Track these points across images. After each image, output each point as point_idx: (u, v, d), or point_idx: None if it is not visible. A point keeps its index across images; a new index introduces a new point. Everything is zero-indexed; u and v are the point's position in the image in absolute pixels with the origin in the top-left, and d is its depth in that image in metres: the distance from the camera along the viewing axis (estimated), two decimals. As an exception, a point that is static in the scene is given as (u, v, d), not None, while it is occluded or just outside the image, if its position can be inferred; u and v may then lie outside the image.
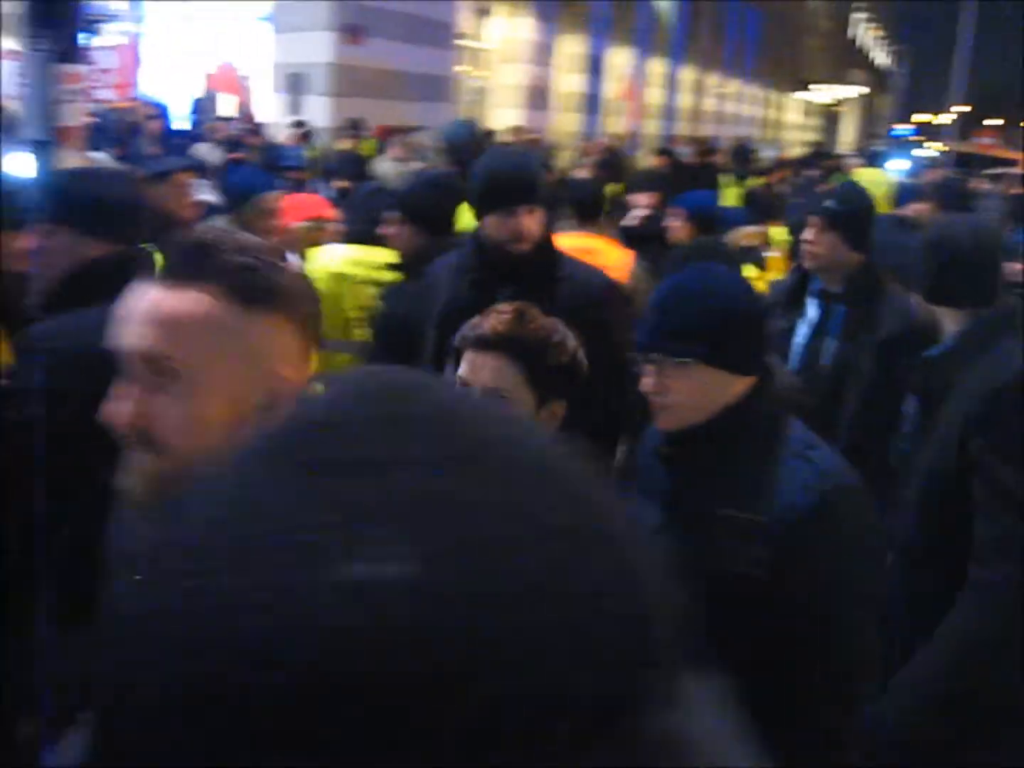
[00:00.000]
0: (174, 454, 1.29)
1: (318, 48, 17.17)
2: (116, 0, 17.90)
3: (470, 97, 22.32)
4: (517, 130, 15.62)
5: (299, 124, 14.04)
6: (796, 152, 27.21)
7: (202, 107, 16.54)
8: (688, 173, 11.00)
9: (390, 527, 0.45)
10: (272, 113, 17.16)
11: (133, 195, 2.79)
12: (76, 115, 5.04)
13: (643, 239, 5.75)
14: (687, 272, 2.26)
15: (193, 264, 1.34)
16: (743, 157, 14.24)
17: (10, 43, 12.88)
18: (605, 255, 4.68)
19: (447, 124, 8.95)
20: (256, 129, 14.11)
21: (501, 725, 0.42)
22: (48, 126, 4.76)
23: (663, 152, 13.90)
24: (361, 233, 4.72)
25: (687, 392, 2.11)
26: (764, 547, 1.99)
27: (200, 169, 5.28)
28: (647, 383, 2.17)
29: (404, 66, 18.56)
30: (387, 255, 4.47)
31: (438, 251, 3.80)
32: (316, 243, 4.81)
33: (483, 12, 22.73)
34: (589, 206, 5.55)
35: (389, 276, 4.33)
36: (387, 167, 10.11)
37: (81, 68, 5.03)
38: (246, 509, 0.47)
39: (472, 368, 2.13)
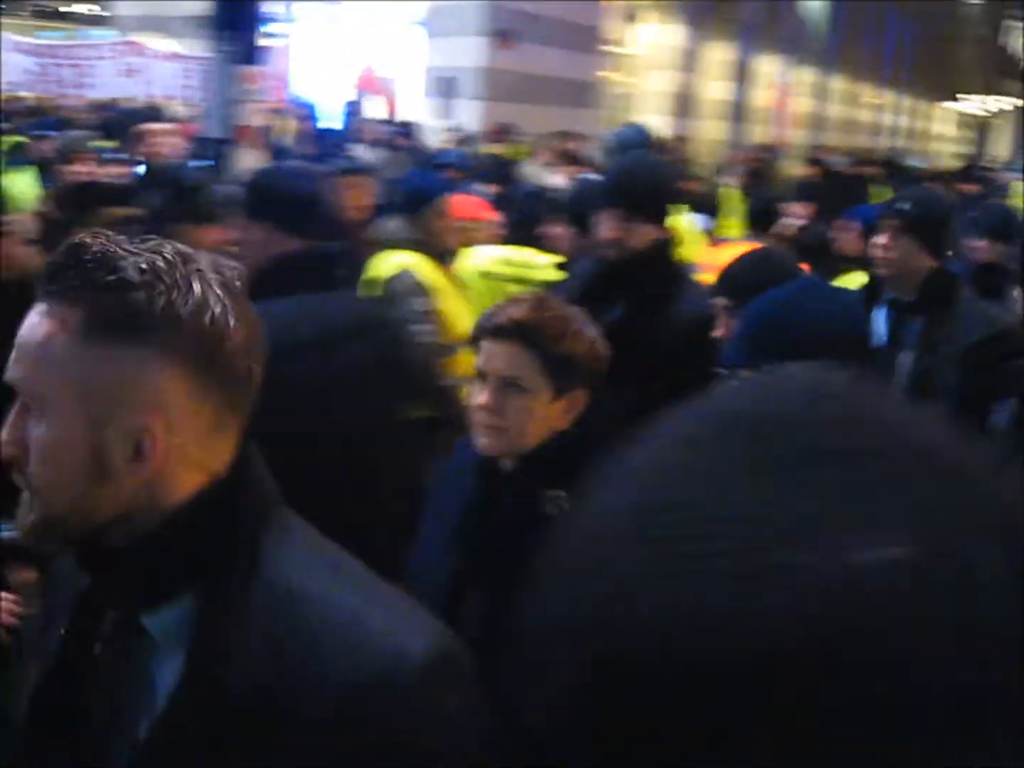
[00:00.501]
0: (46, 492, 1.15)
1: (470, 52, 17.38)
2: (270, 3, 18.37)
3: (614, 103, 22.31)
4: (678, 139, 15.55)
5: (456, 128, 14.25)
6: (946, 164, 26.52)
7: (354, 109, 16.87)
8: (840, 183, 10.83)
9: (879, 514, 0.47)
10: (422, 117, 17.42)
11: (322, 193, 2.89)
12: (253, 115, 5.22)
13: (806, 250, 5.68)
14: (791, 289, 2.17)
15: (61, 280, 1.14)
16: (895, 168, 13.96)
17: (172, 46, 13.35)
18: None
19: (618, 128, 8.96)
20: (406, 131, 14.34)
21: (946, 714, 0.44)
22: (228, 125, 4.95)
23: (815, 162, 13.70)
24: (518, 234, 4.77)
25: None
26: None
27: (371, 171, 5.40)
28: None
29: (551, 71, 18.64)
30: (540, 256, 4.52)
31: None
32: (474, 243, 4.89)
33: (630, 18, 22.71)
34: (761, 216, 5.52)
35: (540, 276, 4.38)
36: (535, 171, 10.19)
37: (257, 69, 5.21)
38: (713, 498, 0.49)
39: (488, 356, 2.09)
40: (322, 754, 1.04)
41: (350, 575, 1.21)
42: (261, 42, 5.13)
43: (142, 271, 1.10)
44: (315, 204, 2.80)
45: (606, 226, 3.33)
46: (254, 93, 5.20)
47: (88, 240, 1.14)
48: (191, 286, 1.13)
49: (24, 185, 5.19)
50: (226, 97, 4.98)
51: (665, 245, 3.38)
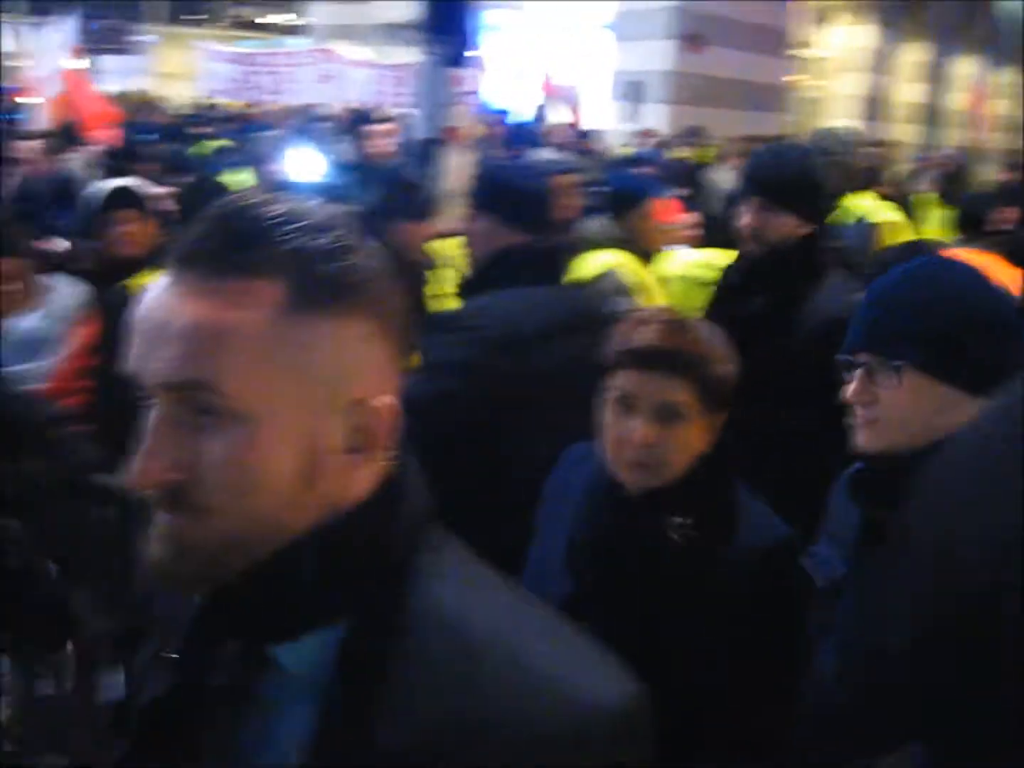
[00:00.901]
0: (220, 517, 0.94)
1: (658, 56, 17.36)
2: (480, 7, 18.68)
3: (802, 107, 21.93)
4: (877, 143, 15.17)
5: (644, 132, 14.25)
6: None
7: (542, 113, 17.03)
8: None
9: None
10: (609, 120, 17.46)
11: (545, 188, 2.93)
12: (463, 117, 5.34)
13: (1016, 255, 5.47)
14: (920, 264, 1.87)
15: (241, 250, 0.94)
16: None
17: (365, 53, 13.70)
18: (997, 273, 4.49)
19: (821, 131, 8.82)
20: (586, 136, 14.40)
21: None
22: (437, 126, 5.07)
23: (1014, 166, 13.18)
24: (714, 237, 4.74)
25: (898, 406, 1.72)
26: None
27: (576, 171, 5.45)
28: (851, 391, 1.81)
29: (739, 74, 18.46)
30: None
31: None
32: (671, 245, 4.88)
33: (820, 20, 22.29)
34: (970, 221, 5.34)
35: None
36: (723, 175, 10.11)
37: (467, 73, 5.33)
38: None
39: (640, 384, 1.94)
40: None
41: (520, 607, 1.03)
42: (472, 46, 5.26)
43: (340, 234, 0.97)
44: (540, 200, 2.84)
45: (743, 216, 3.24)
46: (463, 95, 5.31)
47: (246, 204, 0.97)
48: (370, 248, 1.00)
49: (246, 182, 5.43)
50: (436, 99, 5.11)
51: (809, 239, 3.21)
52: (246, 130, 11.88)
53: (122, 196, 4.09)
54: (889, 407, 1.72)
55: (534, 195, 2.84)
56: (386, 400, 0.99)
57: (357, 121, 5.75)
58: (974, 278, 1.77)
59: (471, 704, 0.89)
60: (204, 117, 15.15)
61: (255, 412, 0.92)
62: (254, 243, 0.93)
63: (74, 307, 3.45)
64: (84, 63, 10.79)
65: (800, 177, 3.26)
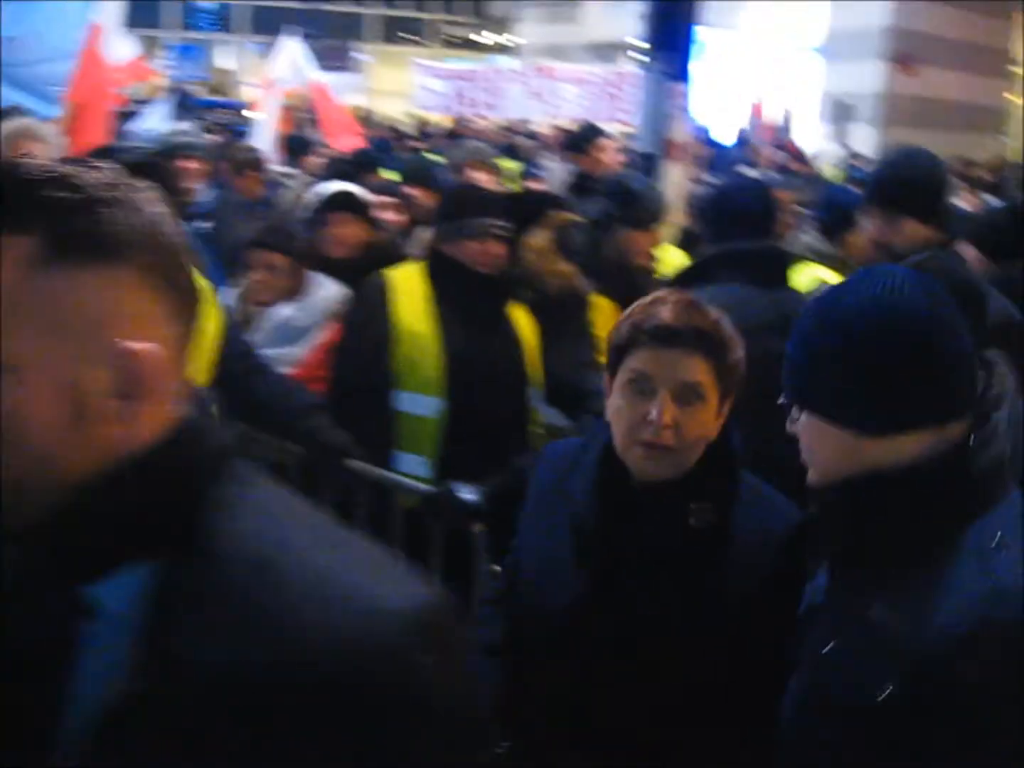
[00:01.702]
0: (8, 457, 0.97)
1: (868, 77, 17.10)
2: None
3: (1022, 128, 21.16)
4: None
5: (854, 155, 14.10)
6: None
7: (747, 134, 16.97)
8: None
9: None
10: (817, 142, 17.28)
11: (768, 199, 3.07)
12: (681, 131, 5.47)
13: None
14: (832, 304, 1.58)
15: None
16: None
17: (577, 70, 13.92)
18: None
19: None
20: (800, 156, 14.30)
21: None
22: (658, 140, 5.22)
23: None
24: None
25: (807, 447, 1.60)
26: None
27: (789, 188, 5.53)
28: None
29: (953, 95, 18.00)
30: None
31: (1005, 278, 3.70)
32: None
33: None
34: None
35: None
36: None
37: (685, 88, 5.46)
38: None
39: (659, 363, 1.85)
40: (308, 722, 0.92)
41: (324, 533, 1.06)
42: (690, 61, 5.39)
43: (103, 186, 1.00)
44: (766, 209, 2.99)
45: (866, 225, 3.18)
46: (681, 110, 5.44)
47: (18, 162, 0.99)
48: (142, 200, 1.02)
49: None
50: (659, 113, 5.25)
51: (943, 249, 3.06)
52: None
53: (341, 200, 4.26)
54: (804, 447, 1.62)
55: (756, 206, 2.98)
56: (153, 348, 1.00)
57: (582, 137, 5.90)
58: (891, 316, 1.49)
59: (275, 622, 0.93)
60: (419, 132, 15.71)
61: (16, 361, 0.95)
62: (5, 200, 0.97)
63: (331, 302, 3.71)
64: (325, 77, 11.31)
65: (928, 183, 3.13)
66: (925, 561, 1.42)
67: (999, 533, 1.40)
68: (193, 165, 5.01)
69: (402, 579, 1.03)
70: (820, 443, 1.56)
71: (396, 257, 3.59)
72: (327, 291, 3.71)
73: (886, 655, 1.39)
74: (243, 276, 3.65)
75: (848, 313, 1.51)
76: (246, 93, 16.19)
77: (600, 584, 1.90)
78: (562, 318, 3.44)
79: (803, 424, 1.58)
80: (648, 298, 1.94)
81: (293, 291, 3.61)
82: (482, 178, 5.34)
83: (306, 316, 3.56)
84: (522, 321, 3.38)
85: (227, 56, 36.61)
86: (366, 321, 3.29)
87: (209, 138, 9.70)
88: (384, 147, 10.42)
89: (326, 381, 3.40)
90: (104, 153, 3.01)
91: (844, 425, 1.51)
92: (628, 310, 1.94)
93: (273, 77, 11.43)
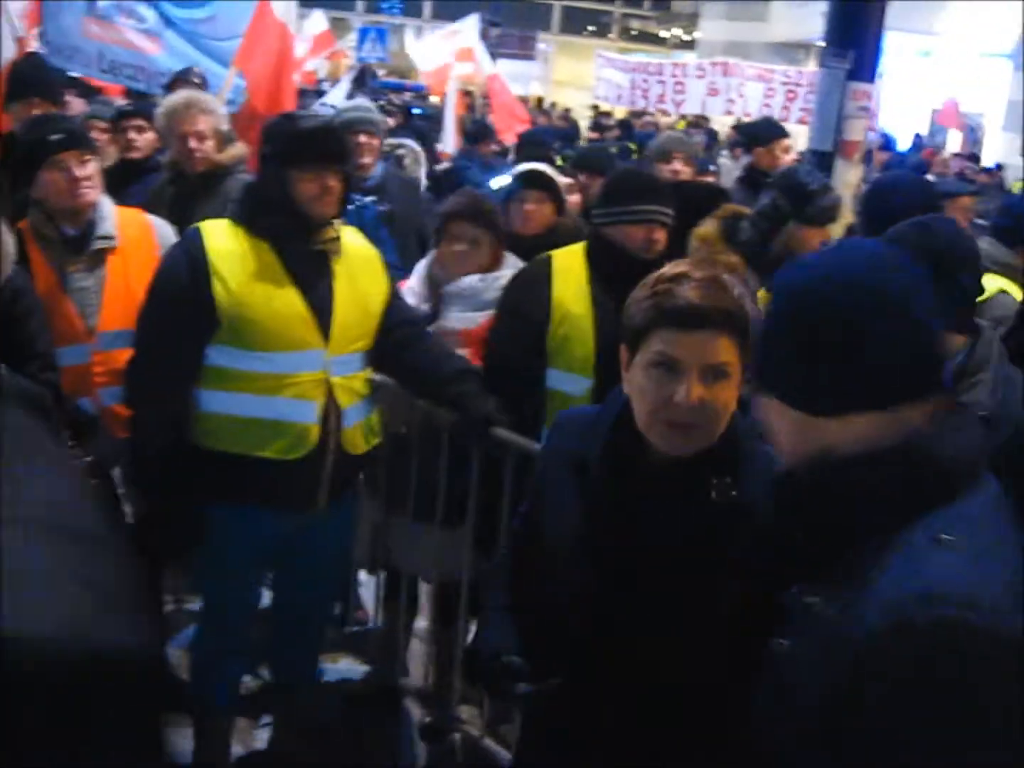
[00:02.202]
0: None
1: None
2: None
3: None
4: None
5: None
6: None
7: (920, 140, 16.53)
8: None
9: None
10: (1000, 151, 16.68)
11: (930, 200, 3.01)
12: (859, 131, 5.35)
13: None
14: (791, 284, 1.53)
15: None
16: None
17: (758, 68, 13.74)
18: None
19: None
20: (982, 165, 13.84)
21: None
22: (834, 139, 5.12)
23: None
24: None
25: (771, 430, 1.57)
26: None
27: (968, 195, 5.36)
28: None
29: None
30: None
31: None
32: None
33: None
34: None
35: None
36: None
37: (868, 88, 5.34)
38: None
39: (685, 345, 1.80)
40: None
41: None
42: (875, 63, 5.27)
43: None
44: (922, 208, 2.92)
45: None
46: (861, 110, 5.32)
47: None
48: None
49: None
50: (835, 112, 5.16)
51: None
52: (633, 137, 12.30)
53: (534, 177, 4.29)
54: (767, 429, 1.59)
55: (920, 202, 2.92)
56: None
57: (762, 132, 5.84)
58: (831, 293, 1.42)
59: None
60: (597, 122, 15.75)
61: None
62: None
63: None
64: (507, 66, 11.53)
65: None
66: (865, 553, 1.34)
67: (944, 529, 1.30)
68: (368, 140, 5.10)
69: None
70: (778, 425, 1.51)
71: (579, 239, 3.61)
72: (515, 268, 3.73)
73: (826, 649, 1.33)
74: (439, 246, 3.71)
75: (795, 291, 1.47)
76: (426, 77, 16.46)
77: (617, 560, 1.89)
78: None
79: (763, 405, 1.53)
80: (669, 272, 1.87)
81: (490, 266, 3.67)
82: (679, 167, 5.37)
83: (492, 290, 3.60)
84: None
85: (410, 40, 37.28)
86: (527, 299, 3.34)
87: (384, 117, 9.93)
88: (570, 135, 10.50)
89: (484, 353, 3.45)
90: (286, 120, 3.08)
91: (794, 405, 1.46)
92: (649, 285, 1.87)
93: (452, 62, 11.59)
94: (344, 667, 4.10)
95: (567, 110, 18.63)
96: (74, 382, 3.35)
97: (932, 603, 1.22)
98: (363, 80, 15.07)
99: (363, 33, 17.83)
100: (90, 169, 3.42)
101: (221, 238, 2.97)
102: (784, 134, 6.03)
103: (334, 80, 16.14)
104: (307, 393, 2.97)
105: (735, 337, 1.82)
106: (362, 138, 5.07)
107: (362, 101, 6.57)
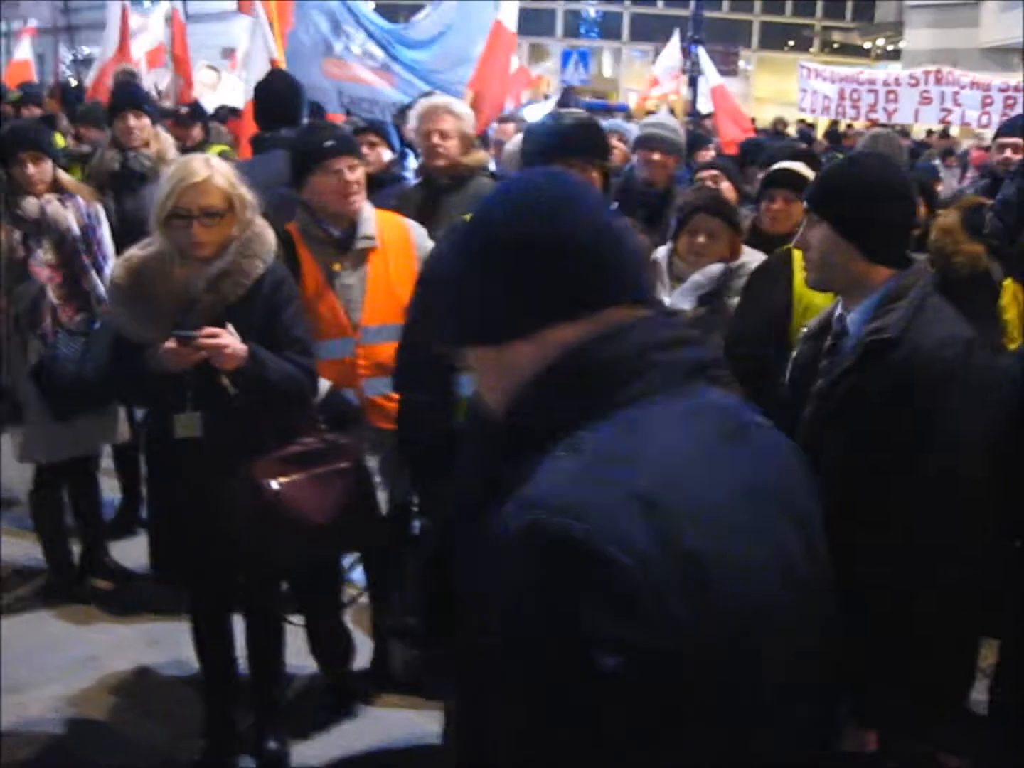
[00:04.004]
0: None
1: None
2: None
3: None
4: None
5: None
6: None
7: None
8: None
9: None
10: None
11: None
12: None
13: None
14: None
15: None
16: None
17: (976, 76, 13.35)
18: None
19: None
20: None
21: None
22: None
23: None
24: None
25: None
26: None
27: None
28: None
29: None
30: None
31: None
32: None
33: None
34: None
35: None
36: None
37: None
38: None
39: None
40: None
41: None
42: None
43: None
44: None
45: None
46: None
47: None
48: None
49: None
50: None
51: None
52: (842, 148, 12.12)
53: (782, 177, 4.26)
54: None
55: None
56: None
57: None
58: (472, 225, 1.41)
59: None
60: (803, 132, 15.57)
61: None
62: None
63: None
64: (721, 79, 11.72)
65: None
66: (524, 468, 1.26)
67: (582, 439, 1.23)
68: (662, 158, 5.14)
69: None
70: (483, 374, 1.45)
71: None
72: (753, 263, 3.80)
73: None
74: (679, 237, 3.86)
75: (457, 238, 1.43)
76: (629, 97, 16.63)
77: None
78: (968, 299, 3.39)
79: (470, 362, 1.46)
80: None
81: (729, 257, 3.77)
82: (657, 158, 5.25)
83: (737, 276, 3.70)
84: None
85: (608, 62, 37.54)
86: (767, 290, 3.39)
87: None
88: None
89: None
90: (550, 118, 3.27)
91: (484, 342, 1.40)
92: None
93: (657, 80, 11.72)
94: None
95: (780, 121, 18.44)
96: (339, 374, 3.58)
97: (528, 509, 1.18)
98: (567, 102, 15.30)
99: (566, 56, 18.10)
100: (359, 175, 3.66)
101: None
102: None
103: (535, 101, 16.44)
104: None
105: None
106: (656, 156, 5.15)
107: (667, 118, 6.48)
